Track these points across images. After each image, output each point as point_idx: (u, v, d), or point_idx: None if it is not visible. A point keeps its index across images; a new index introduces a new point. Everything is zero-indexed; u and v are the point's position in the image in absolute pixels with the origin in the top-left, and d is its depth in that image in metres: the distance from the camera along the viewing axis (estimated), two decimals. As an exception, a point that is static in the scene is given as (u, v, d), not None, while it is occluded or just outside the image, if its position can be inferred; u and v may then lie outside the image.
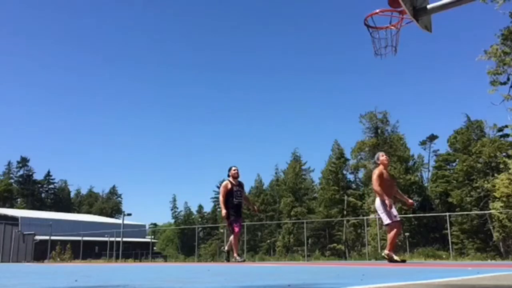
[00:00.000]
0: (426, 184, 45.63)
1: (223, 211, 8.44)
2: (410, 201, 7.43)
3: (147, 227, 55.83)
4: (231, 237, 8.54)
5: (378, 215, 7.21)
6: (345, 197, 41.70)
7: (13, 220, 38.89)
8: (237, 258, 8.47)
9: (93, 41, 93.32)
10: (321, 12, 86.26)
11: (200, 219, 67.36)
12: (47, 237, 31.09)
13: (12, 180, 69.35)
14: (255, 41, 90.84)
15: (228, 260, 8.77)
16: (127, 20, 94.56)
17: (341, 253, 38.40)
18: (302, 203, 45.45)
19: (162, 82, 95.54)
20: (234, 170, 8.71)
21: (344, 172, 44.34)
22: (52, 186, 73.42)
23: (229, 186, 8.59)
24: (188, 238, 58.62)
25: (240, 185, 8.80)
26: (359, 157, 42.49)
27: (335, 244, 40.70)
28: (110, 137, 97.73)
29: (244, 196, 8.92)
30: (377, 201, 7.08)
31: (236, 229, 8.36)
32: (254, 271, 3.64)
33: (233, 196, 8.51)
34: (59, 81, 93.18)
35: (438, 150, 47.47)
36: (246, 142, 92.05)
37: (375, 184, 7.11)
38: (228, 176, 8.77)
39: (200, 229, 56.83)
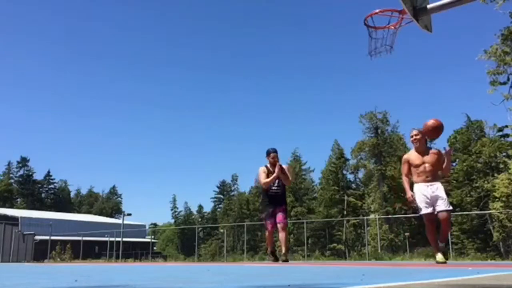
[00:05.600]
0: (426, 184, 45.58)
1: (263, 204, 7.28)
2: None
3: (147, 227, 55.86)
4: (280, 236, 7.28)
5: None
6: (345, 197, 41.71)
7: (13, 220, 38.89)
8: (270, 257, 7.53)
9: (93, 41, 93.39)
10: (321, 12, 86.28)
11: (200, 219, 67.33)
12: (47, 237, 31.08)
13: (12, 180, 69.34)
14: (254, 41, 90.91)
15: (277, 260, 7.52)
16: (127, 20, 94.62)
17: (341, 253, 38.40)
18: (302, 203, 45.45)
19: (162, 82, 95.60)
20: (273, 156, 7.33)
21: (344, 172, 44.36)
22: (52, 186, 73.45)
23: (266, 171, 7.33)
24: (188, 238, 58.60)
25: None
26: (359, 157, 42.49)
27: (335, 244, 40.70)
28: (110, 137, 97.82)
29: (285, 174, 7.39)
30: None
31: (269, 227, 7.23)
32: (254, 271, 3.64)
33: (269, 186, 7.30)
34: (59, 81, 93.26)
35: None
36: (246, 142, 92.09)
37: None
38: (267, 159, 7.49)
39: (200, 229, 56.80)
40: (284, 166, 7.35)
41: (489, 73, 13.10)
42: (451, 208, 5.89)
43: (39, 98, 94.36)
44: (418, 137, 6.04)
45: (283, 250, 7.30)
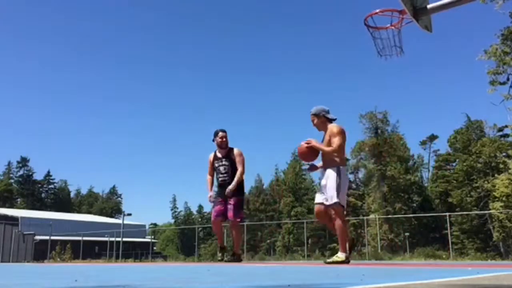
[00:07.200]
0: (426, 184, 45.63)
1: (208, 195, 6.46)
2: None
3: (147, 227, 55.87)
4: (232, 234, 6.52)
5: None
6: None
7: (13, 220, 38.92)
8: (219, 255, 6.73)
9: (92, 41, 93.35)
10: (320, 11, 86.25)
11: (200, 219, 67.33)
12: (47, 237, 31.10)
13: (12, 180, 69.35)
14: (254, 40, 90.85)
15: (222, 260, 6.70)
16: (126, 20, 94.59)
17: (341, 253, 38.37)
18: (302, 203, 45.45)
19: (162, 81, 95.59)
20: (221, 136, 6.37)
21: (344, 172, 44.32)
22: (52, 186, 73.44)
23: (211, 159, 6.48)
24: (188, 238, 58.59)
25: (228, 156, 6.37)
26: (359, 157, 42.50)
27: (335, 244, 40.61)
28: (110, 137, 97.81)
29: (238, 170, 6.31)
30: None
31: (212, 216, 6.44)
32: (254, 271, 3.64)
33: (217, 173, 6.40)
34: (59, 81, 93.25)
35: (438, 150, 47.51)
36: (245, 142, 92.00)
37: None
38: (213, 140, 6.51)
39: (200, 229, 56.77)
40: (236, 150, 6.42)
41: (489, 73, 13.13)
42: (333, 202, 4.99)
43: (39, 98, 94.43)
44: (312, 121, 5.42)
45: (234, 248, 6.64)
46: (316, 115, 5.36)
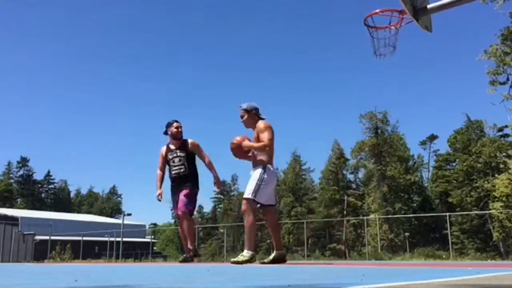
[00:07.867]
0: (426, 184, 45.67)
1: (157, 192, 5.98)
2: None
3: (147, 227, 55.88)
4: (180, 227, 5.92)
5: None
6: (345, 197, 41.73)
7: (13, 220, 38.93)
8: (186, 255, 6.02)
9: (92, 40, 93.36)
10: (320, 10, 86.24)
11: (200, 219, 67.36)
12: (47, 237, 31.11)
13: (12, 180, 69.39)
14: (253, 38, 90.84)
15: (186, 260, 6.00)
16: (125, 18, 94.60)
17: (341, 253, 38.40)
18: (302, 203, 45.45)
19: (162, 81, 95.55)
20: (177, 126, 5.95)
21: (344, 172, 44.39)
22: (52, 186, 73.51)
23: (163, 152, 6.03)
24: (188, 238, 58.49)
25: (183, 148, 5.91)
26: (359, 157, 42.55)
27: (335, 244, 40.69)
28: (110, 137, 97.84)
29: (206, 161, 5.92)
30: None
31: (178, 212, 5.81)
32: (253, 271, 3.64)
33: (170, 166, 5.95)
34: (59, 81, 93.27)
35: (438, 150, 47.58)
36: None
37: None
38: (166, 133, 6.03)
39: (200, 229, 56.80)
40: (192, 141, 6.02)
41: (489, 73, 13.13)
42: (247, 196, 4.92)
43: (39, 98, 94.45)
44: (242, 116, 5.14)
45: (188, 245, 5.82)
46: (247, 111, 5.11)
